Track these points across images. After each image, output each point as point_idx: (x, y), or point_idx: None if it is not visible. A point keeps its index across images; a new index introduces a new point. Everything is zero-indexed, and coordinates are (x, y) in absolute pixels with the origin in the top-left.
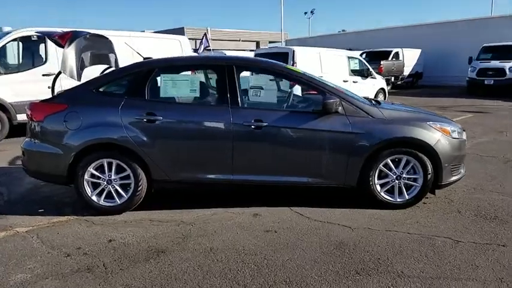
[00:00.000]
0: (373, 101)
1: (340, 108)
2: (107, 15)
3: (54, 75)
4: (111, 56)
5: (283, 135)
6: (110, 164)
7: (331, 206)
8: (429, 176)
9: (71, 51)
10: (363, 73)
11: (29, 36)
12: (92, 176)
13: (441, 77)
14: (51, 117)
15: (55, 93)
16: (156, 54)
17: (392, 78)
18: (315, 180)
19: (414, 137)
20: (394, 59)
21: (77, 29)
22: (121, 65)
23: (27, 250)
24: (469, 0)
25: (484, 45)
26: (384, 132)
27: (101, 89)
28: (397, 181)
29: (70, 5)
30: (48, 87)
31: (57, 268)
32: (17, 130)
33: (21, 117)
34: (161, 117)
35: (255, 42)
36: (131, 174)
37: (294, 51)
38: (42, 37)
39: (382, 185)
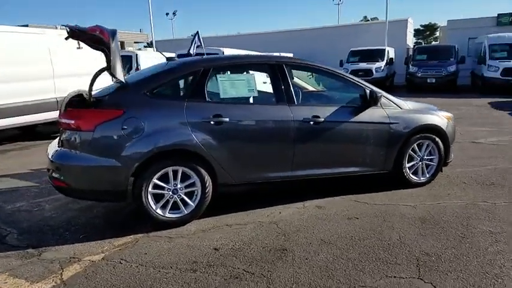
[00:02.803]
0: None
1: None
2: None
3: (93, 76)
4: None
5: (338, 129)
6: (174, 172)
7: (368, 191)
8: (442, 156)
9: (115, 49)
10: None
11: None
12: (155, 187)
13: None
14: (105, 125)
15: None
16: (76, 54)
17: None
18: (362, 169)
19: (435, 124)
20: None
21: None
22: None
23: (137, 277)
24: (317, 9)
25: (352, 49)
26: (413, 121)
27: (154, 92)
28: (420, 163)
29: None
30: None
31: (204, 284)
32: None
33: None
34: (227, 119)
35: (118, 43)
36: (197, 181)
37: (223, 52)
38: None
39: (410, 168)
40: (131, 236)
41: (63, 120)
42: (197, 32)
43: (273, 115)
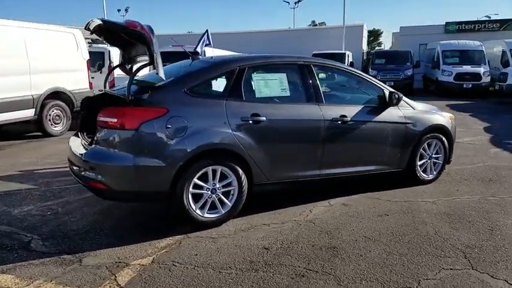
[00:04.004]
0: None
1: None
2: None
3: (132, 74)
4: None
5: (362, 129)
6: (213, 172)
7: (383, 189)
8: (447, 154)
9: (156, 45)
10: None
11: None
12: (195, 186)
13: None
14: (149, 124)
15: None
16: (51, 49)
17: None
18: (381, 168)
19: (442, 124)
20: None
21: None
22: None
23: (201, 278)
24: (273, 12)
25: (314, 52)
26: (425, 121)
27: (194, 90)
28: (429, 161)
29: None
30: None
31: (273, 283)
32: None
33: None
34: (264, 118)
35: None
36: (234, 180)
37: (204, 51)
38: None
39: (420, 166)
40: (171, 238)
41: (103, 119)
42: (206, 30)
43: (306, 114)
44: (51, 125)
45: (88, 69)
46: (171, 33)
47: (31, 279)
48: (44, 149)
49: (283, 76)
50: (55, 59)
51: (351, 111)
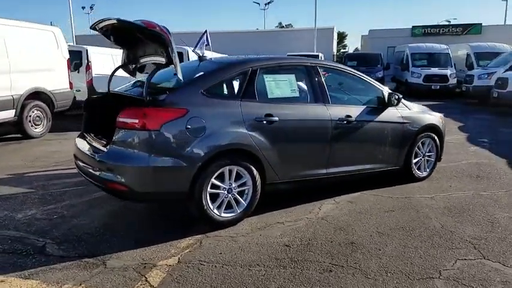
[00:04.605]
0: None
1: None
2: None
3: (149, 74)
4: None
5: (365, 128)
6: (229, 172)
7: (381, 186)
8: (438, 152)
9: (174, 46)
10: None
11: None
12: (212, 186)
13: None
14: (170, 124)
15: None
16: (32, 48)
17: None
18: (381, 166)
19: (435, 123)
20: None
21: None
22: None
23: (233, 276)
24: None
25: (288, 54)
26: (420, 120)
27: (210, 91)
28: (423, 159)
29: None
30: None
31: (304, 278)
32: None
33: None
34: (277, 118)
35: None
36: (249, 180)
37: (188, 51)
38: None
39: (415, 163)
40: (190, 238)
41: (123, 119)
42: (205, 31)
43: (315, 114)
44: (32, 126)
45: (68, 68)
46: None
47: (58, 284)
48: (28, 151)
49: (292, 77)
50: (35, 58)
51: (354, 111)
